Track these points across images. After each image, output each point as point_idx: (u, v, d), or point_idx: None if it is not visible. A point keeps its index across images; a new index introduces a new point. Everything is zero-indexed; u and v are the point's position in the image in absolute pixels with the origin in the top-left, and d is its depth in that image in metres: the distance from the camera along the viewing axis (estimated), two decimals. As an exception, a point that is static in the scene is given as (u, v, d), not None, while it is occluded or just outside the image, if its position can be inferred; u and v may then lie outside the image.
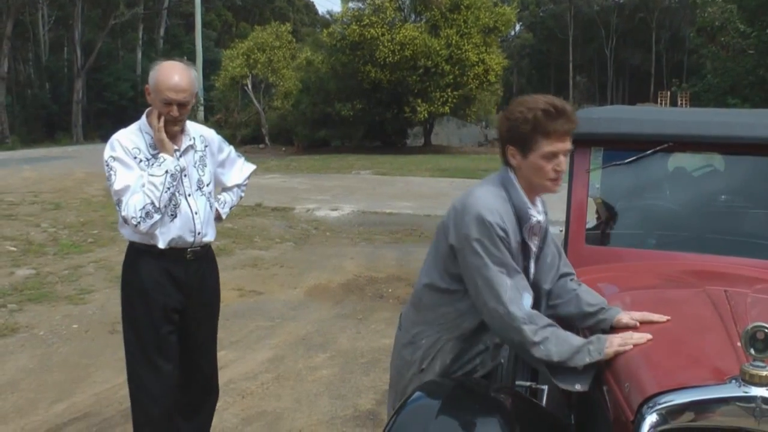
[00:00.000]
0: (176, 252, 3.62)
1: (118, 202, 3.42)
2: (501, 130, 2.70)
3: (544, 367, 2.55)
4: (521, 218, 2.68)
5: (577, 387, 2.48)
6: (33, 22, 50.47)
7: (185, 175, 3.61)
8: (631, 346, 2.46)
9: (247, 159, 4.18)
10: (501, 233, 2.56)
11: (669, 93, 47.42)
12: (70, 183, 18.47)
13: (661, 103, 45.87)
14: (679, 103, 41.88)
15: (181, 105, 3.48)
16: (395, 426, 2.34)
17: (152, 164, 3.47)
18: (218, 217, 3.94)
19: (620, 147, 3.88)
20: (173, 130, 3.56)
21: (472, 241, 2.56)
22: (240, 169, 4.07)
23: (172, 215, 3.56)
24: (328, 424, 4.87)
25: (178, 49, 55.26)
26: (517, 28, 74.24)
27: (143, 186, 3.40)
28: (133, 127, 3.62)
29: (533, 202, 2.72)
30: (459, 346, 2.79)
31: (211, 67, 42.44)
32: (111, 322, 7.00)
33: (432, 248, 2.85)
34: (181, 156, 3.60)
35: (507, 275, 2.55)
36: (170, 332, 3.69)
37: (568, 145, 2.60)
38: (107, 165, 3.47)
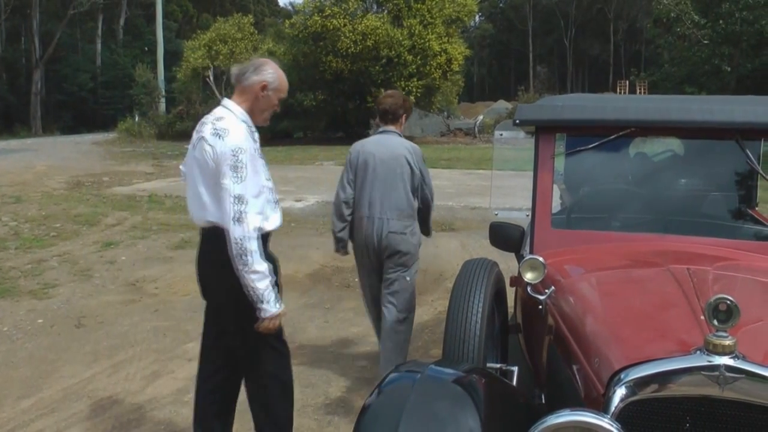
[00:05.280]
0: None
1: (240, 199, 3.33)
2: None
3: None
4: None
5: None
6: (-11, 11, 49.65)
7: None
8: None
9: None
10: None
11: (627, 82, 47.89)
12: (30, 176, 18.23)
13: (620, 93, 46.24)
14: (638, 92, 42.31)
15: None
16: (369, 410, 2.36)
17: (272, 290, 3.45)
18: None
19: (583, 133, 3.95)
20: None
21: None
22: None
23: (276, 202, 3.68)
24: (299, 412, 4.86)
25: (139, 40, 54.75)
26: (477, 18, 74.54)
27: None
28: (239, 123, 3.55)
29: None
30: None
31: (172, 59, 42.09)
32: (77, 316, 6.95)
33: None
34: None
35: None
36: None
37: None
38: (236, 158, 3.35)
